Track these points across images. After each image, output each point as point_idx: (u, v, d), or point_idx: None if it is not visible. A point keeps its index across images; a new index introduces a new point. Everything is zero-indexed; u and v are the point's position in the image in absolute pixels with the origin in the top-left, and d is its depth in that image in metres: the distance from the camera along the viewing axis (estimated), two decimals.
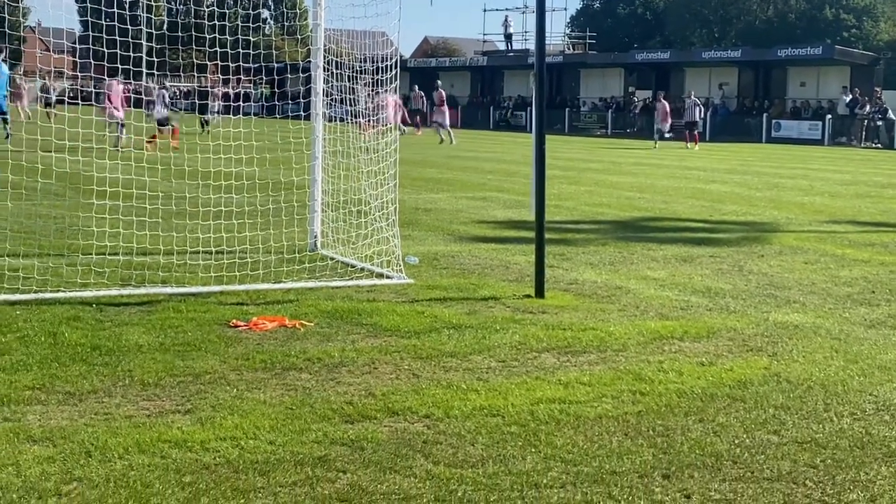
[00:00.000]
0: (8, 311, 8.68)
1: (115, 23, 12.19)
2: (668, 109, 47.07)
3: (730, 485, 5.28)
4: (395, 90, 12.03)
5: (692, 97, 49.62)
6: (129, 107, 29.45)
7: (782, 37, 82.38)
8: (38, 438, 5.64)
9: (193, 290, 9.92)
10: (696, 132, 47.10)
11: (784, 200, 21.08)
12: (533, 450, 5.73)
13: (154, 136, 27.91)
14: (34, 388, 6.58)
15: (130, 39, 12.17)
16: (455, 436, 5.95)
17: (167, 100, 32.53)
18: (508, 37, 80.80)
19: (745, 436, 6.06)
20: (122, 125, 27.71)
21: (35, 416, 6.06)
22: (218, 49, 13.12)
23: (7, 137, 18.40)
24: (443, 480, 5.23)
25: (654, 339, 8.52)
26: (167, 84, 33.89)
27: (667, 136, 47.01)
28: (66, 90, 37.77)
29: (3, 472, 5.11)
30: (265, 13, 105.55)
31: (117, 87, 29.38)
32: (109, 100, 29.63)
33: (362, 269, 11.19)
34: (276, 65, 45.65)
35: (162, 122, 31.27)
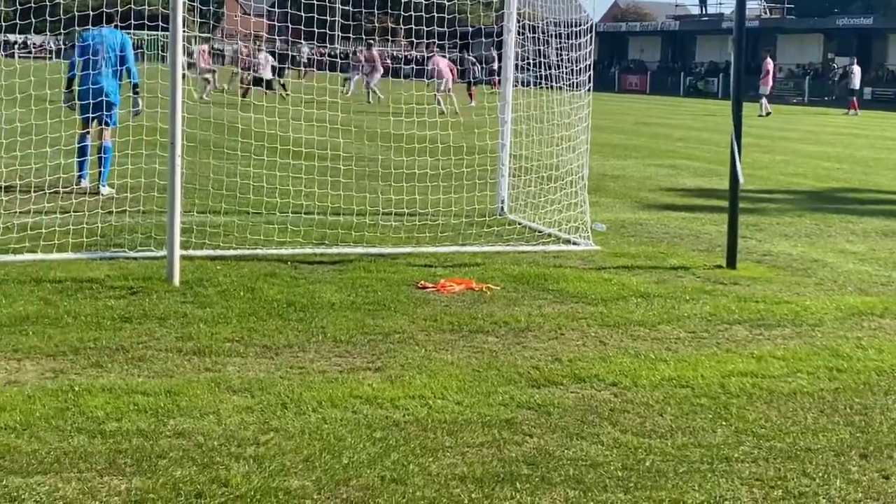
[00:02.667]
0: (209, 266, 9.02)
1: None
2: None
3: None
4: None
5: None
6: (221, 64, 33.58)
7: None
8: (237, 389, 5.86)
9: (384, 250, 10.10)
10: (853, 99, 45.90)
11: None
12: (723, 423, 5.62)
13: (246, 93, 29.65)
14: (233, 341, 6.83)
15: (326, 4, 12.39)
16: (643, 405, 5.89)
17: (272, 64, 33.28)
18: (703, 0, 78.86)
19: None
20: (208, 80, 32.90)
21: (234, 367, 6.30)
22: (412, 13, 13.23)
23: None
24: (630, 449, 5.19)
25: (852, 315, 8.22)
26: (273, 49, 34.83)
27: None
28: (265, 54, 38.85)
29: (205, 420, 5.33)
30: None
31: (205, 47, 32.93)
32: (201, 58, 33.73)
33: (549, 235, 11.16)
34: (466, 29, 45.80)
35: (257, 82, 31.96)
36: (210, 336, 6.90)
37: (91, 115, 13.23)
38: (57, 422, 5.20)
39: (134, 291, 8.03)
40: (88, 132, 13.43)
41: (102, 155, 13.32)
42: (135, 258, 9.24)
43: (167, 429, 5.18)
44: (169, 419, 5.31)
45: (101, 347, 6.54)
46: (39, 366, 6.15)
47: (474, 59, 36.78)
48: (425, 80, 30.64)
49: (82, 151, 13.52)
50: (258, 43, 35.26)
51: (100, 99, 12.83)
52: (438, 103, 29.60)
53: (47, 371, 6.06)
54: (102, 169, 13.23)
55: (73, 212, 10.43)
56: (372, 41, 36.18)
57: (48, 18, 11.90)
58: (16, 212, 10.52)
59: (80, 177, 13.42)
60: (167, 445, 4.97)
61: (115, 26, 13.08)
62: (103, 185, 12.97)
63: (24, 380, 5.88)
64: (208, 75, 34.21)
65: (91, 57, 13.10)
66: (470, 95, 35.26)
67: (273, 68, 32.62)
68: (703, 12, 79.51)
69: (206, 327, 7.11)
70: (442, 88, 31.89)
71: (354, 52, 36.86)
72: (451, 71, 33.19)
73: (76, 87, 13.03)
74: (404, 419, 5.49)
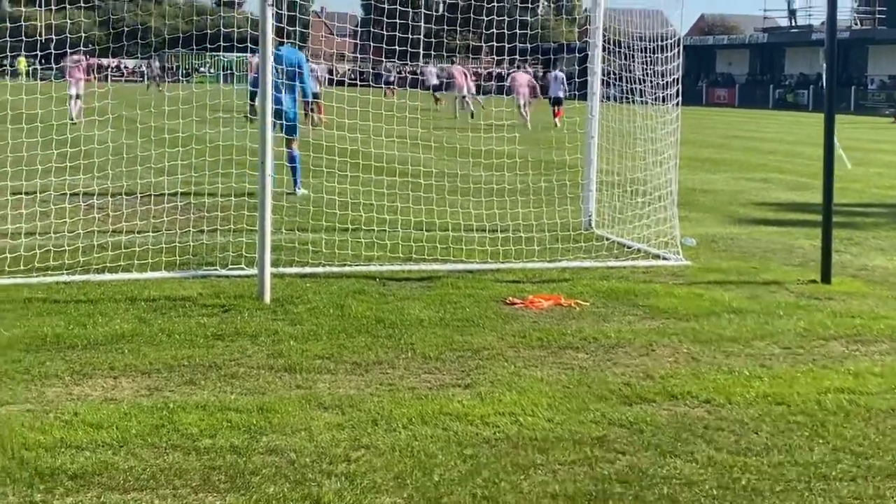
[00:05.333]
0: (299, 284, 9.10)
1: (398, 6, 12.48)
2: None
3: None
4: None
5: None
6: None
7: None
8: (328, 406, 5.89)
9: (471, 266, 10.09)
10: None
11: None
12: (820, 440, 5.50)
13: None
14: (323, 358, 6.87)
15: (409, 22, 12.47)
16: (737, 423, 5.78)
17: (321, 77, 33.50)
18: (793, 12, 77.72)
19: None
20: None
21: (325, 384, 6.33)
22: (494, 31, 13.24)
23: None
24: (725, 467, 5.10)
25: None
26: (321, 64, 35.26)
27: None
28: (348, 72, 39.26)
29: (297, 437, 5.36)
30: None
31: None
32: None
33: (638, 250, 11.05)
34: (548, 45, 45.79)
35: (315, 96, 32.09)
36: (301, 353, 6.95)
37: (285, 124, 13.74)
38: (152, 439, 5.27)
39: (226, 309, 8.13)
40: (294, 142, 14.48)
41: (288, 164, 14.44)
42: (226, 276, 9.36)
43: (260, 445, 5.22)
44: (261, 436, 5.36)
45: (194, 365, 6.63)
46: (135, 383, 6.25)
47: (559, 75, 36.64)
48: (505, 95, 30.88)
49: (292, 161, 14.59)
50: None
51: (281, 112, 13.33)
52: (522, 117, 29.86)
53: (142, 388, 6.16)
54: (295, 176, 14.40)
55: (166, 230, 10.61)
56: (454, 58, 36.35)
57: (139, 42, 12.17)
58: (109, 230, 10.74)
59: (295, 187, 14.45)
60: (260, 462, 5.01)
61: (292, 44, 13.62)
62: (298, 189, 14.11)
63: (120, 397, 5.98)
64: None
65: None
66: (554, 114, 35.19)
67: (319, 81, 32.76)
68: (793, 24, 78.35)
69: (296, 344, 7.16)
70: (522, 103, 32.10)
71: (442, 69, 37.16)
72: (530, 86, 33.25)
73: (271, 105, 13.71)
74: (495, 436, 5.47)
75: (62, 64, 29.88)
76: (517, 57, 13.76)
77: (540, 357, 7.06)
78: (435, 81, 38.34)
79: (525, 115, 32.01)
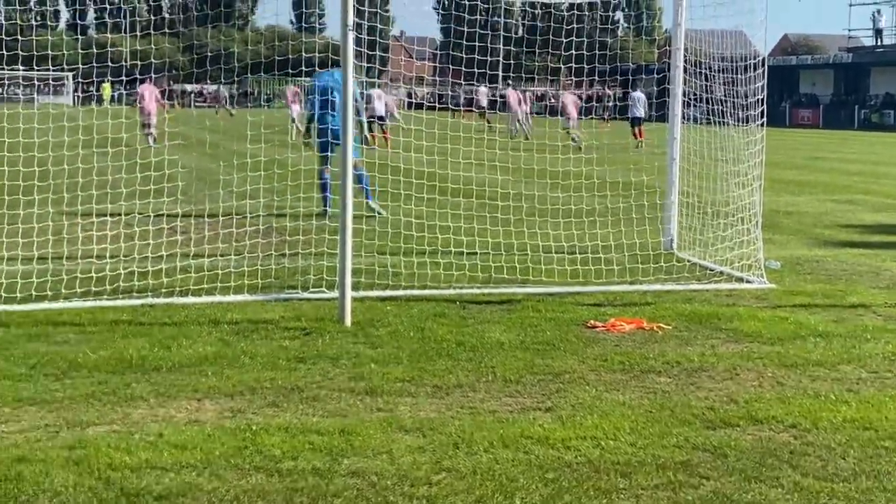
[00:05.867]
0: (380, 307, 9.14)
1: (477, 29, 12.51)
2: None
3: None
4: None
5: None
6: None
7: None
8: (409, 429, 5.89)
9: (551, 289, 10.04)
10: None
11: None
12: None
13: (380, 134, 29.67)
14: (404, 381, 6.88)
15: (488, 45, 12.50)
16: (824, 448, 5.66)
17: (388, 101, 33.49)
18: (878, 31, 76.43)
19: None
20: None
21: (406, 407, 6.33)
22: (573, 52, 13.21)
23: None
24: (812, 493, 4.99)
25: None
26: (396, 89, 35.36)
27: None
28: (427, 95, 39.49)
29: (378, 460, 5.37)
30: (618, 14, 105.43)
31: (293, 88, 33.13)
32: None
33: (721, 273, 10.91)
34: (627, 66, 45.58)
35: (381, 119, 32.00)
36: (381, 376, 6.96)
37: (329, 154, 14.24)
38: (236, 460, 5.32)
39: (307, 332, 8.19)
40: (327, 167, 14.53)
41: (357, 184, 14.40)
42: (308, 299, 9.43)
43: (342, 468, 5.24)
44: (343, 458, 5.37)
45: (276, 387, 6.68)
46: (218, 405, 6.32)
47: (640, 96, 36.44)
48: (559, 116, 31.18)
49: (323, 186, 14.65)
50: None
51: (336, 135, 13.67)
52: (574, 139, 30.04)
53: (226, 410, 6.21)
54: (368, 195, 14.39)
55: (248, 254, 10.73)
56: (510, 81, 36.57)
57: (223, 67, 12.36)
58: (192, 253, 10.89)
59: (324, 209, 14.31)
60: (342, 484, 5.02)
61: (336, 68, 13.88)
62: (374, 204, 14.21)
63: (204, 419, 6.04)
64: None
65: (320, 97, 14.34)
66: (634, 134, 35.01)
67: (386, 104, 32.76)
68: (878, 43, 77.05)
69: (377, 367, 7.18)
70: (571, 125, 32.27)
71: (494, 91, 37.40)
72: (576, 106, 33.38)
73: (315, 126, 14.25)
74: (576, 460, 5.42)
75: (136, 92, 30.62)
76: (596, 78, 13.68)
77: (622, 381, 6.99)
78: (486, 102, 38.49)
79: (577, 136, 32.27)
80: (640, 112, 35.86)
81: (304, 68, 11.89)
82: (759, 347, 7.95)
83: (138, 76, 11.60)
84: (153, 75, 13.48)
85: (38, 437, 5.63)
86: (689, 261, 11.52)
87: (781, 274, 11.02)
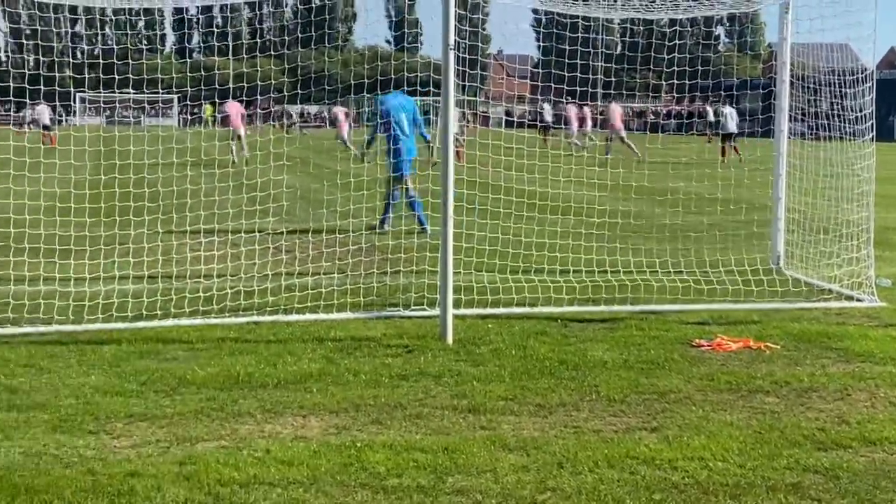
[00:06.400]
0: (481, 325, 9.13)
1: (578, 47, 12.47)
2: None
3: None
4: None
5: None
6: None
7: None
8: (512, 447, 5.86)
9: (654, 308, 9.93)
10: None
11: None
12: None
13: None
14: (507, 399, 6.86)
15: (590, 62, 12.44)
16: None
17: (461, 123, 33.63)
18: None
19: None
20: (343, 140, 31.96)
21: (509, 425, 6.31)
22: (675, 69, 13.09)
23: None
24: None
25: None
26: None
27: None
28: (525, 113, 39.47)
29: (483, 478, 5.36)
30: (719, 30, 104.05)
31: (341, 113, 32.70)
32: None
33: (829, 291, 10.68)
34: (731, 81, 45.04)
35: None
36: (484, 394, 6.95)
37: (405, 173, 14.78)
38: (341, 477, 5.35)
39: (409, 350, 8.22)
40: (399, 187, 14.92)
41: (416, 210, 14.70)
42: (409, 317, 9.47)
43: (446, 486, 5.24)
44: (447, 476, 5.37)
45: (380, 405, 6.71)
46: (323, 422, 6.37)
47: (733, 111, 35.93)
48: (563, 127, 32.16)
49: (389, 207, 14.94)
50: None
51: (401, 154, 14.57)
52: (631, 150, 30.67)
53: (331, 427, 6.26)
54: (420, 220, 14.44)
55: (350, 272, 10.81)
56: (567, 97, 36.78)
57: (326, 88, 12.51)
58: (296, 272, 11.02)
59: (382, 222, 14.72)
60: (447, 502, 5.02)
61: (402, 90, 14.10)
62: (426, 228, 14.09)
63: (309, 435, 6.10)
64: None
65: (388, 118, 14.81)
66: (724, 150, 34.67)
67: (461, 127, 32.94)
68: None
69: (479, 385, 7.17)
70: (622, 136, 32.92)
71: (555, 106, 37.64)
72: (623, 119, 34.45)
73: (381, 147, 14.66)
74: (684, 481, 5.34)
75: (225, 112, 31.21)
76: (698, 94, 13.55)
77: (729, 401, 6.87)
78: (549, 119, 38.46)
79: (630, 146, 32.40)
80: (732, 127, 35.45)
81: (405, 88, 11.98)
82: (870, 367, 7.75)
83: (246, 98, 11.81)
84: (259, 97, 13.72)
85: (149, 453, 5.74)
86: (796, 278, 11.29)
87: (893, 292, 10.74)
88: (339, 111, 36.69)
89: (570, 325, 9.23)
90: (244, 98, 16.16)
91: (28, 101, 11.20)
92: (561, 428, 6.27)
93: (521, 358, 7.96)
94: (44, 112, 39.11)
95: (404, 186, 15.01)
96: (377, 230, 14.37)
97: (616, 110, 35.95)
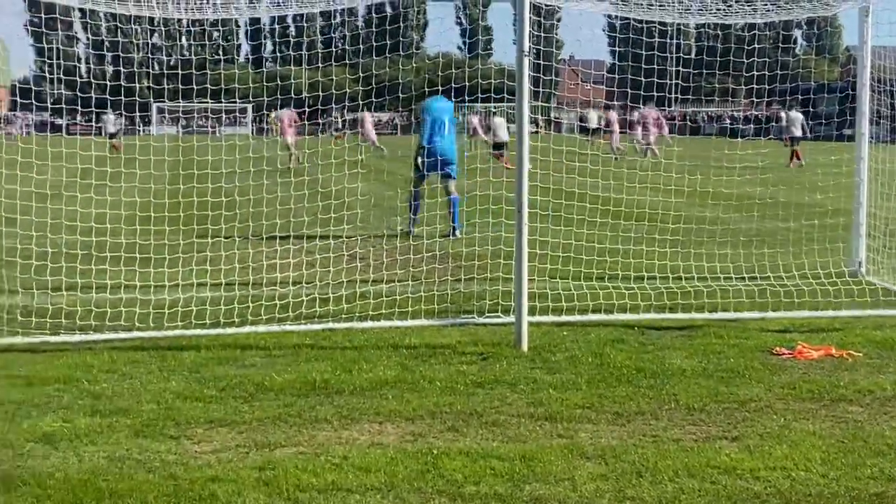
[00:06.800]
0: (556, 332, 9.09)
1: (655, 52, 12.36)
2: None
3: None
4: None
5: None
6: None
7: None
8: (590, 456, 5.82)
9: (733, 315, 9.80)
10: None
11: None
12: None
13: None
14: (584, 407, 6.81)
15: (666, 67, 12.33)
16: None
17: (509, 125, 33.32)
18: None
19: None
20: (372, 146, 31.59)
21: (586, 434, 6.27)
22: (755, 73, 12.92)
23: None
24: None
25: None
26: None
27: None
28: (600, 118, 39.37)
29: (560, 487, 5.32)
30: (796, 33, 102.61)
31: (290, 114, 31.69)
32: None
33: None
34: (808, 85, 44.37)
35: (497, 147, 31.61)
36: (560, 402, 6.91)
37: (440, 172, 14.99)
38: (418, 483, 5.35)
39: (484, 357, 8.21)
40: (422, 188, 15.13)
41: (451, 209, 14.95)
42: (483, 324, 9.45)
43: (524, 494, 5.21)
44: (525, 484, 5.35)
45: (456, 412, 6.70)
46: (399, 429, 6.38)
47: (799, 116, 35.39)
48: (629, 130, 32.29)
49: (415, 208, 15.05)
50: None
51: (445, 157, 14.82)
52: (653, 152, 30.71)
53: (407, 434, 6.27)
54: (454, 219, 14.76)
55: (425, 279, 10.83)
56: (614, 104, 37.41)
57: (400, 95, 12.56)
58: (371, 279, 11.07)
59: (411, 226, 14.85)
60: None
61: (441, 94, 14.39)
62: (458, 229, 14.49)
63: (386, 442, 6.11)
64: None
65: (432, 123, 15.13)
66: (793, 155, 34.29)
67: (509, 129, 32.69)
68: None
69: (556, 393, 7.13)
70: (652, 140, 32.91)
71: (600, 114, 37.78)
72: (657, 124, 35.02)
73: (424, 149, 14.89)
74: (766, 491, 5.26)
75: (275, 118, 31.48)
76: (776, 98, 13.37)
77: (811, 410, 6.75)
78: (594, 125, 38.27)
79: (655, 150, 32.22)
80: (799, 132, 34.99)
81: (479, 94, 11.99)
82: None
83: (320, 107, 11.92)
84: (334, 106, 13.85)
85: (229, 458, 5.80)
86: (878, 285, 11.08)
87: None
88: (367, 118, 36.69)
89: (646, 332, 9.15)
90: (305, 108, 16.36)
91: (111, 111, 11.42)
92: (640, 437, 6.21)
93: (598, 366, 7.90)
94: (109, 120, 39.82)
95: (443, 186, 15.31)
96: (411, 232, 14.65)
97: (650, 114, 35.92)
